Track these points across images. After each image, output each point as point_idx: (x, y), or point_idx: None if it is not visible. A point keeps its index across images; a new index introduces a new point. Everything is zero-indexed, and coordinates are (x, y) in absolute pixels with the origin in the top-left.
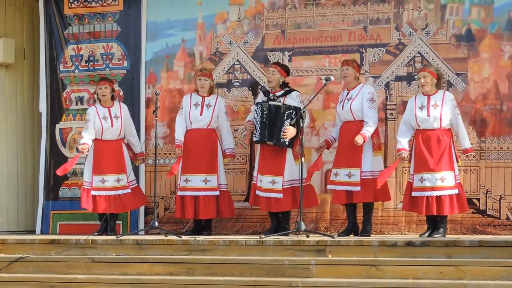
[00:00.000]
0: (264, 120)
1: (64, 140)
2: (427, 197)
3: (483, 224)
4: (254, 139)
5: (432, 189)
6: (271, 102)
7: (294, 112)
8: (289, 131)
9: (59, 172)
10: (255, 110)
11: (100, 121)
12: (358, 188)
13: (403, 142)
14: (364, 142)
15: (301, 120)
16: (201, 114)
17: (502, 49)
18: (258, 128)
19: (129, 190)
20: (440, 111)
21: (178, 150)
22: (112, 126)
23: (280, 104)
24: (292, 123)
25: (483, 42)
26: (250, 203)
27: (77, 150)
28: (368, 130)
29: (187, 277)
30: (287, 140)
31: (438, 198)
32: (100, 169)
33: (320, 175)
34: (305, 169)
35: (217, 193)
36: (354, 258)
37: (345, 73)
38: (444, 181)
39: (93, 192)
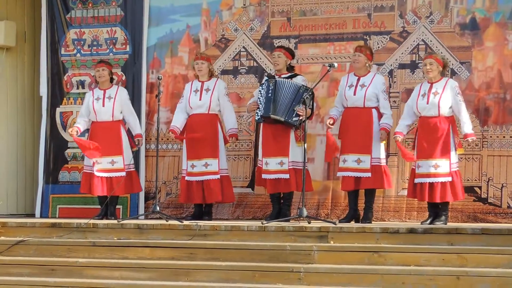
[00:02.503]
0: (270, 95)
1: (65, 123)
2: (421, 183)
3: (484, 212)
4: (257, 117)
5: (426, 175)
6: (278, 78)
7: (312, 95)
8: (304, 112)
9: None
10: (260, 90)
11: (93, 102)
12: (369, 174)
13: (401, 126)
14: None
15: (312, 103)
16: (200, 99)
17: (506, 38)
18: (263, 103)
19: (123, 174)
20: (439, 98)
21: (172, 135)
22: (103, 106)
23: (300, 85)
24: (308, 105)
25: (487, 30)
26: (256, 185)
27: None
28: (388, 122)
29: (188, 262)
30: (299, 120)
31: (431, 185)
32: None
33: (323, 162)
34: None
35: (218, 176)
36: (356, 244)
37: (356, 59)
38: (438, 168)
39: (93, 173)
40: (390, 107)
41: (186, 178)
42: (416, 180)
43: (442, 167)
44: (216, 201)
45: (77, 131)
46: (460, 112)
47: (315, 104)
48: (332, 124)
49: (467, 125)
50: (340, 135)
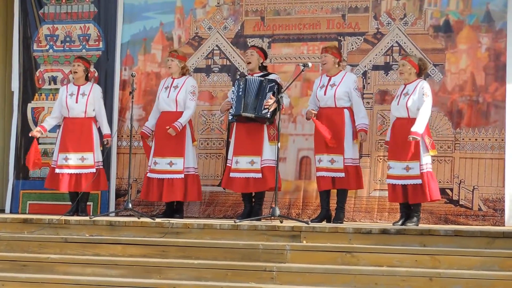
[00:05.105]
0: (241, 93)
1: (36, 119)
2: (394, 185)
3: (455, 214)
4: (230, 116)
5: (398, 177)
6: (248, 76)
7: (276, 86)
8: (271, 102)
9: (31, 168)
10: (232, 90)
11: (66, 98)
12: (343, 175)
13: (389, 131)
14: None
15: (281, 98)
16: (168, 97)
17: (480, 41)
18: (234, 102)
19: (94, 170)
20: (407, 100)
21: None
22: (76, 102)
23: (263, 78)
24: (274, 95)
25: (461, 33)
26: (222, 186)
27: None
28: (365, 123)
29: (160, 260)
30: (269, 112)
31: (404, 186)
32: (64, 147)
33: (295, 162)
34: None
35: (182, 176)
36: (328, 244)
37: (324, 60)
38: (409, 170)
39: (56, 170)
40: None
41: (148, 174)
42: (388, 181)
43: (413, 169)
44: (177, 200)
45: (41, 132)
46: (419, 111)
47: (287, 99)
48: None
49: (418, 125)
50: (315, 135)
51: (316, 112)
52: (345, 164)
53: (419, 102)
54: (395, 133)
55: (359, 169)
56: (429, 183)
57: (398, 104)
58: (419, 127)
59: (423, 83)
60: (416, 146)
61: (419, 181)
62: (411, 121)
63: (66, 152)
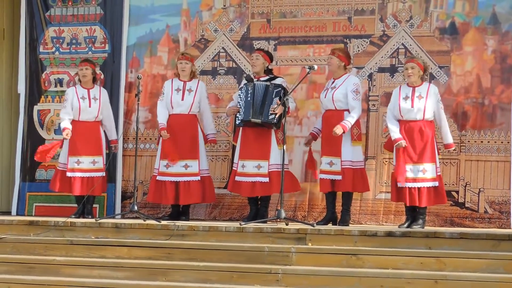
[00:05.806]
0: (249, 99)
1: (42, 121)
2: (410, 188)
3: (461, 217)
4: (237, 121)
5: (414, 180)
6: (256, 81)
7: (282, 91)
8: (278, 108)
9: (38, 158)
10: (239, 94)
11: (78, 101)
12: (340, 177)
13: (398, 132)
14: (343, 132)
15: (287, 101)
16: (182, 99)
17: (486, 43)
18: (243, 107)
19: (103, 173)
20: (425, 103)
21: (164, 133)
22: (89, 106)
23: (269, 83)
24: (280, 101)
25: (466, 35)
26: (228, 189)
27: (55, 132)
28: (349, 120)
29: (166, 262)
30: (276, 117)
31: (419, 189)
32: (75, 150)
33: (301, 164)
34: (287, 156)
35: (198, 178)
36: (334, 247)
37: (329, 62)
38: (426, 173)
39: (68, 174)
40: (368, 109)
41: (158, 177)
42: (407, 185)
43: (429, 171)
44: (195, 202)
45: (70, 133)
46: (441, 120)
47: (292, 103)
48: (308, 142)
49: (449, 135)
50: (322, 137)
51: (313, 137)
52: (343, 166)
53: (435, 108)
54: (412, 136)
55: (361, 172)
56: (442, 185)
57: (412, 106)
58: (450, 137)
59: (435, 88)
60: (432, 148)
61: (436, 184)
62: (424, 123)
63: (78, 156)
